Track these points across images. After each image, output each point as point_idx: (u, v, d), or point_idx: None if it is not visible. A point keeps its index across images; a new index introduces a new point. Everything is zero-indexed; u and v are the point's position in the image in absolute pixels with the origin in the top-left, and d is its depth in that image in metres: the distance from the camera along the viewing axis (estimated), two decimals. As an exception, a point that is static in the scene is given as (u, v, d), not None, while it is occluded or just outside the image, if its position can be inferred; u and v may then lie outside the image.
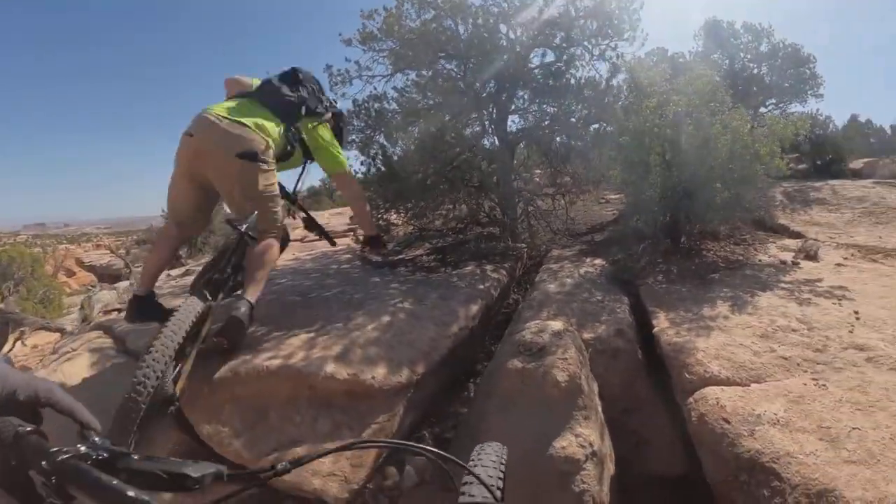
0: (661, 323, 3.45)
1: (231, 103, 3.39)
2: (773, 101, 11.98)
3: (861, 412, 2.47)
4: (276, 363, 2.88)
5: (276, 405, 2.77)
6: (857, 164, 11.41)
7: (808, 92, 11.79)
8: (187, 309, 2.65)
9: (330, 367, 2.84)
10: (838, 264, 4.59)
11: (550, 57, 6.28)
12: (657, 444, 3.06)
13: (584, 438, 2.44)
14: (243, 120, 3.23)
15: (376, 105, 6.35)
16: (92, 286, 18.68)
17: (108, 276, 22.61)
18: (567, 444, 2.41)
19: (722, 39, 12.16)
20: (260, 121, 3.30)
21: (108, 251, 30.76)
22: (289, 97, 3.53)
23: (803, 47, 11.69)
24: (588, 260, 4.87)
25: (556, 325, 3.00)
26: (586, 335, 3.36)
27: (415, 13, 5.92)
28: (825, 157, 10.52)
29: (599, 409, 2.79)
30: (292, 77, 3.72)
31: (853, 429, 2.35)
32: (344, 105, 6.23)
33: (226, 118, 3.19)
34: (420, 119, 6.07)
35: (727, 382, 2.77)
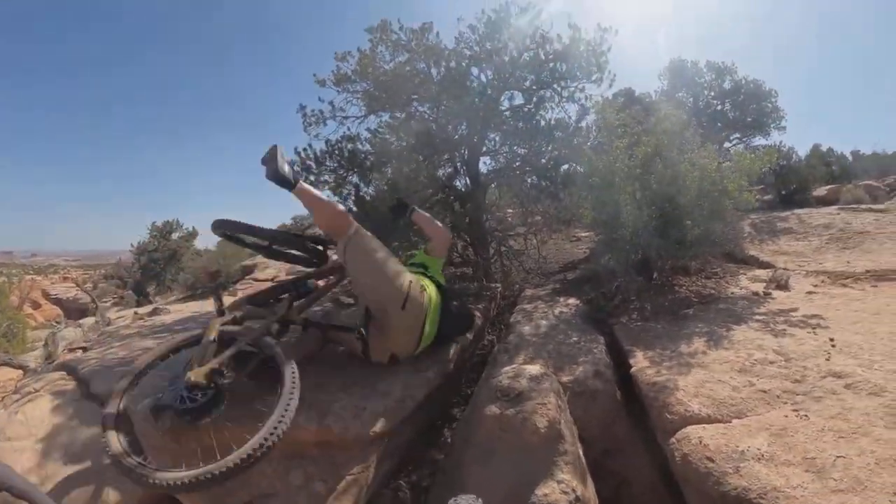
0: (639, 362, 3.44)
1: None
2: (738, 135, 12.33)
3: (844, 440, 2.48)
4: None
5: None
6: (821, 191, 11.77)
7: (771, 125, 12.18)
8: None
9: (302, 418, 2.76)
10: (809, 292, 4.65)
11: (521, 99, 6.41)
12: (639, 485, 3.04)
13: (567, 484, 2.40)
14: None
15: (349, 146, 6.38)
16: (57, 321, 18.33)
17: (74, 311, 22.14)
18: (549, 491, 2.37)
19: (686, 78, 12.50)
20: None
21: (75, 285, 30.20)
22: None
23: (765, 83, 12.20)
24: (562, 299, 4.87)
25: (534, 369, 2.99)
26: (564, 378, 3.34)
27: (388, 55, 6.04)
28: (790, 186, 10.83)
29: (581, 452, 2.75)
30: None
31: (838, 457, 2.35)
32: (317, 146, 6.35)
33: None
34: (392, 160, 6.12)
35: (709, 420, 2.76)
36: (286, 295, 3.33)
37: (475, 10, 6.09)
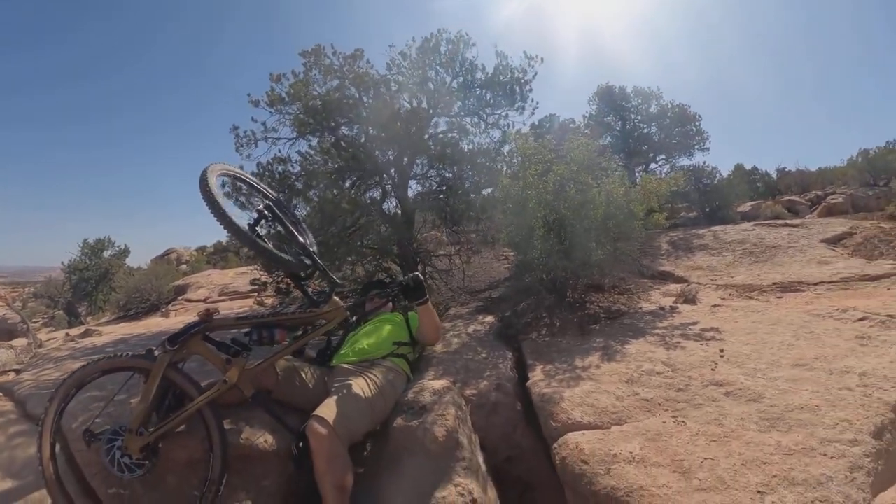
0: (536, 375, 3.71)
1: None
2: (663, 156, 12.94)
3: (715, 443, 2.75)
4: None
5: (175, 468, 2.78)
6: (744, 207, 12.50)
7: (695, 147, 12.85)
8: None
9: (230, 427, 2.88)
10: (715, 305, 5.00)
11: (448, 125, 6.69)
12: (541, 490, 3.28)
13: (464, 488, 2.59)
14: None
15: (280, 168, 6.44)
16: (-16, 342, 17.46)
17: (3, 332, 21.08)
18: (447, 493, 2.55)
19: (614, 103, 13.04)
20: None
21: (4, 303, 28.79)
22: None
23: (690, 107, 12.96)
24: (480, 317, 5.11)
25: (438, 384, 3.19)
26: (468, 391, 3.57)
27: (322, 79, 6.21)
28: (713, 203, 11.34)
29: (481, 460, 2.98)
30: None
31: (705, 459, 2.62)
32: (249, 167, 6.39)
33: None
34: (321, 183, 6.23)
35: (589, 427, 3.02)
36: (239, 347, 2.90)
37: (410, 36, 6.37)
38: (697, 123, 12.98)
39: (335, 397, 2.82)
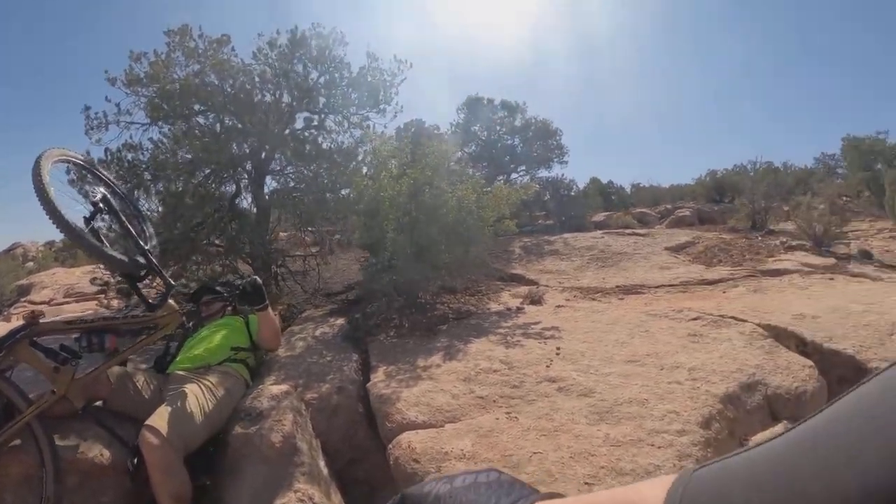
0: (378, 376, 3.68)
1: None
2: (524, 168, 13.49)
3: (545, 437, 2.81)
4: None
5: (10, 485, 2.51)
6: (598, 217, 13.34)
7: (555, 160, 13.50)
8: None
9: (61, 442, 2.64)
10: (559, 306, 5.17)
11: (310, 121, 6.52)
12: (386, 491, 3.21)
13: (304, 493, 2.53)
14: None
15: (130, 155, 5.92)
16: None
17: None
18: (287, 500, 2.49)
19: (481, 114, 13.39)
20: None
21: None
22: None
23: (553, 122, 13.72)
24: (332, 320, 4.99)
25: (276, 389, 3.09)
26: (309, 395, 3.46)
27: (185, 62, 5.82)
28: (569, 213, 11.92)
29: (322, 465, 2.90)
30: None
31: (535, 453, 2.67)
32: (97, 152, 5.86)
33: None
34: (171, 173, 5.83)
35: (423, 426, 3.03)
36: (69, 354, 2.64)
37: (283, 26, 6.10)
38: (558, 138, 13.73)
39: (168, 406, 2.69)
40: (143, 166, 5.89)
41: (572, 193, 12.80)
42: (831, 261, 7.37)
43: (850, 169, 16.45)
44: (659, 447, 2.67)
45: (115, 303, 6.53)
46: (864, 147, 15.87)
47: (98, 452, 2.65)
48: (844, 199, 14.57)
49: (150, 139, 6.04)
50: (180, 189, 5.67)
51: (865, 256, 7.86)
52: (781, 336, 4.08)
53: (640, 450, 2.66)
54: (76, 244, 2.78)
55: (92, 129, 5.91)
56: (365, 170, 6.01)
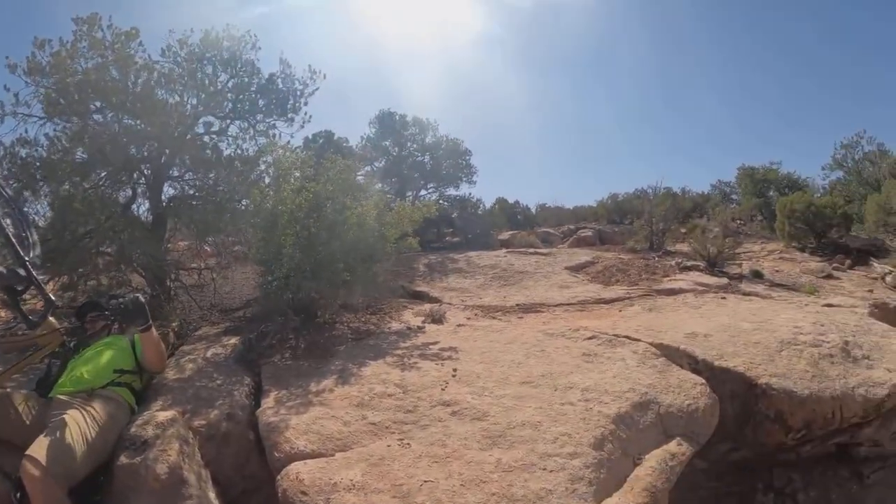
0: (268, 402, 3.51)
1: None
2: (433, 185, 13.62)
3: (437, 464, 2.77)
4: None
5: None
6: (504, 235, 13.64)
7: (463, 179, 13.76)
8: None
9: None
10: (459, 325, 5.17)
11: (215, 126, 6.21)
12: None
13: None
14: None
15: (24, 151, 5.42)
16: None
17: None
18: None
19: (393, 129, 13.41)
20: None
21: None
22: None
23: (463, 142, 13.99)
24: (225, 339, 4.74)
25: (162, 415, 2.93)
26: (197, 422, 3.26)
27: (89, 53, 5.36)
28: (476, 230, 12.09)
29: (213, 496, 2.78)
30: None
31: (426, 482, 2.62)
32: None
33: None
34: (62, 174, 5.37)
35: (312, 455, 2.92)
36: None
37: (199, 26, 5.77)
38: (468, 158, 14.00)
39: (49, 435, 2.50)
40: (37, 164, 5.42)
41: (479, 212, 13.01)
42: (724, 280, 7.79)
43: (744, 195, 17.70)
44: (551, 471, 2.68)
45: (2, 314, 6.00)
46: (757, 176, 17.18)
47: (-22, 485, 2.48)
48: (738, 222, 15.63)
49: (46, 135, 5.54)
50: (70, 192, 5.24)
51: (757, 276, 8.40)
52: (673, 355, 4.22)
53: (532, 474, 2.65)
54: None
55: (-15, 118, 5.35)
56: (267, 180, 5.81)
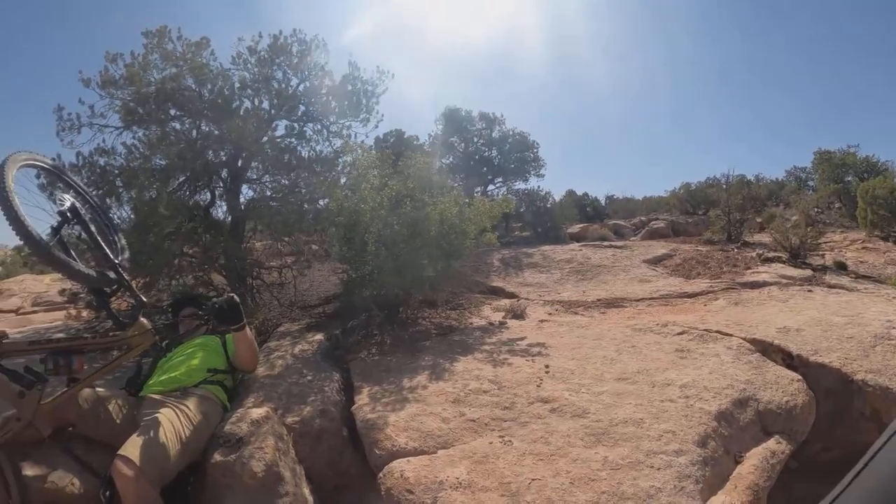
0: (362, 399, 3.48)
1: None
2: (501, 179, 13.53)
3: (543, 462, 2.69)
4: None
5: None
6: (574, 228, 13.37)
7: (531, 172, 13.61)
8: None
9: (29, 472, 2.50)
10: (542, 320, 5.06)
11: (289, 129, 6.33)
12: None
13: None
14: None
15: (102, 160, 5.68)
16: None
17: None
18: None
19: (459, 125, 13.39)
20: None
21: None
22: None
23: (530, 135, 13.82)
24: (310, 336, 4.76)
25: (256, 412, 2.94)
26: (291, 419, 3.25)
27: (162, 64, 5.61)
28: (545, 224, 11.91)
29: (307, 492, 2.79)
30: None
31: (533, 480, 2.54)
32: (68, 156, 5.60)
33: None
34: (143, 180, 5.58)
35: (414, 453, 2.86)
36: (34, 377, 2.50)
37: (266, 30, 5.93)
38: (535, 150, 13.77)
39: (142, 434, 2.51)
40: (116, 172, 5.65)
41: (548, 205, 12.84)
42: (808, 272, 7.41)
43: (822, 181, 16.78)
44: (658, 469, 2.57)
45: (84, 314, 6.26)
46: (835, 160, 16.25)
47: (69, 482, 2.53)
48: (816, 210, 14.86)
49: (124, 143, 5.79)
50: (154, 197, 5.42)
51: (841, 268, 7.95)
52: (768, 350, 4.05)
53: (639, 472, 2.55)
54: (40, 258, 2.60)
55: (64, 130, 5.65)
56: (344, 180, 5.85)
